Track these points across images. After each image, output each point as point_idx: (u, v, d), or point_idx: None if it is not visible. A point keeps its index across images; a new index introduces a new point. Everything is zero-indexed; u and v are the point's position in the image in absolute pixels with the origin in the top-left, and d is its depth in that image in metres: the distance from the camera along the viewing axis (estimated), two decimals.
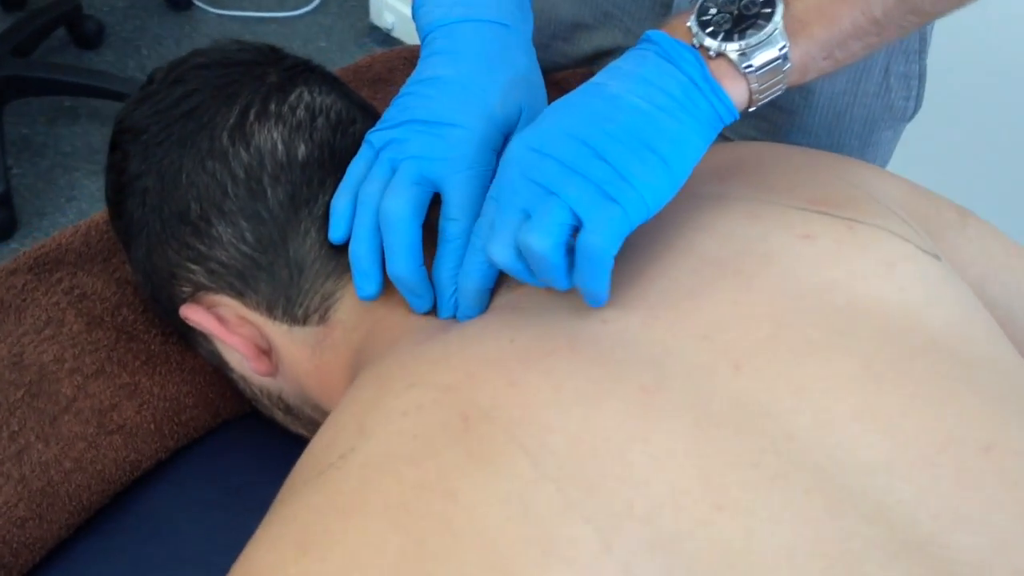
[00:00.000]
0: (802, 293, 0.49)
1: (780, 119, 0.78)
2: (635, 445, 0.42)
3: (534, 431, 0.42)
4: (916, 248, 0.52)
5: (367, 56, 0.87)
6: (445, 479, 0.41)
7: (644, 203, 0.46)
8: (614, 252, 0.46)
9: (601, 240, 0.45)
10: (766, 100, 0.49)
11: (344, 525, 0.41)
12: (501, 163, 0.50)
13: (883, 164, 0.83)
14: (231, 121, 0.57)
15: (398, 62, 0.86)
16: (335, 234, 0.56)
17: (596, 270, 0.46)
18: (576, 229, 0.46)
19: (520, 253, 0.47)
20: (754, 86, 0.48)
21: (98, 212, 0.71)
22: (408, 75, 0.88)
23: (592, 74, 0.51)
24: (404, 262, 0.53)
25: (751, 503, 0.41)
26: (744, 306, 0.48)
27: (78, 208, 1.68)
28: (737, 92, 0.48)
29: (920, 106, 0.80)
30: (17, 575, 0.58)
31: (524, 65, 0.58)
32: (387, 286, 0.55)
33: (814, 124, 0.78)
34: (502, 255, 0.48)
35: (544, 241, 0.46)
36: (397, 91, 0.88)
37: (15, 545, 0.57)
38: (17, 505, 0.58)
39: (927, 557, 0.41)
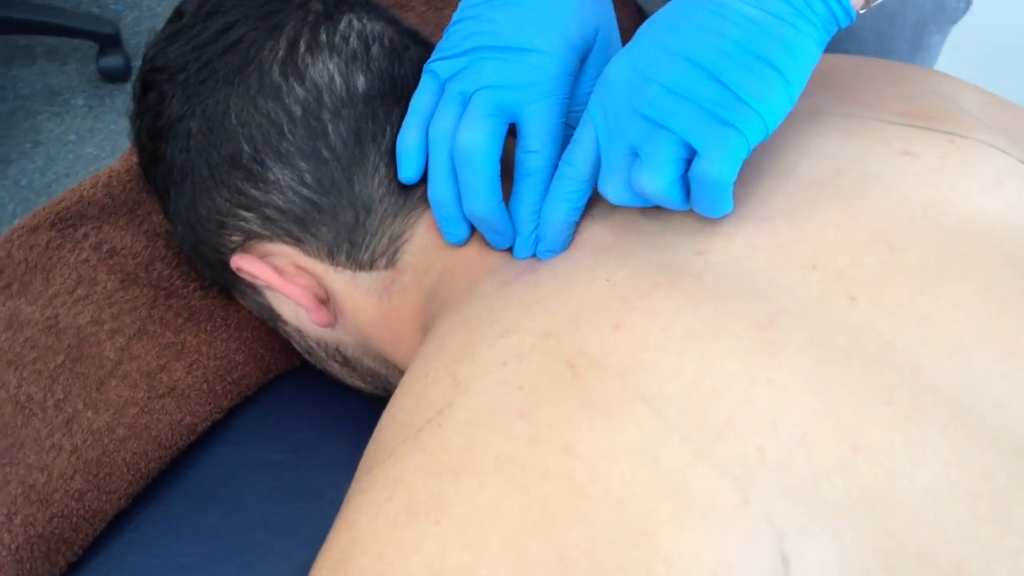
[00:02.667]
0: (910, 214, 0.46)
1: None
2: (759, 386, 0.40)
3: (649, 377, 0.40)
4: (1017, 161, 0.49)
5: None
6: (559, 433, 0.38)
7: (763, 123, 0.42)
8: (732, 179, 0.43)
9: (718, 169, 0.42)
10: (879, 1, 0.45)
11: (456, 486, 0.38)
12: (600, 88, 0.46)
13: None
14: (280, 54, 0.53)
15: None
16: (407, 173, 0.52)
17: (715, 199, 0.43)
18: (691, 157, 0.43)
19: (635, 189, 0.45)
20: None
21: (118, 160, 0.66)
22: None
23: None
24: (486, 200, 0.49)
25: (889, 443, 0.39)
26: (850, 231, 0.45)
27: (45, 153, 1.60)
28: None
29: (970, 5, 0.77)
30: (79, 549, 0.54)
31: None
32: None
33: (863, 29, 0.75)
34: (618, 196, 0.45)
35: (658, 184, 0.43)
36: (414, 16, 0.84)
37: (75, 519, 0.54)
38: (73, 477, 0.54)
39: None
